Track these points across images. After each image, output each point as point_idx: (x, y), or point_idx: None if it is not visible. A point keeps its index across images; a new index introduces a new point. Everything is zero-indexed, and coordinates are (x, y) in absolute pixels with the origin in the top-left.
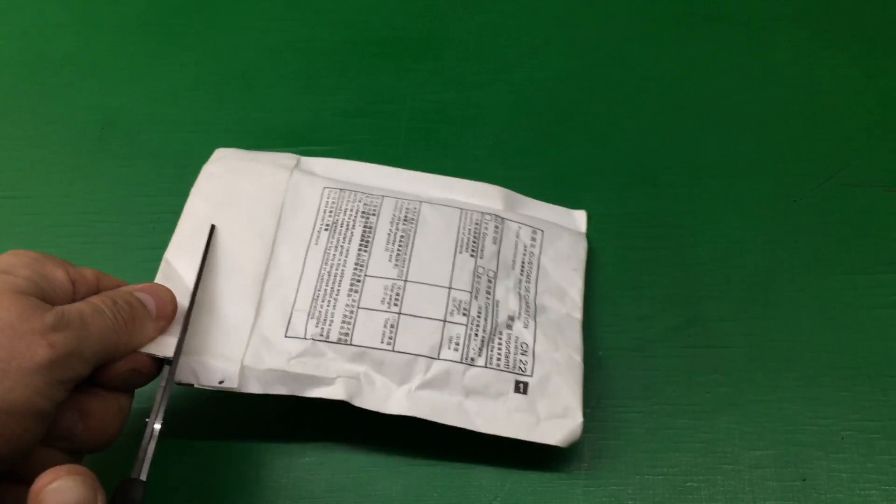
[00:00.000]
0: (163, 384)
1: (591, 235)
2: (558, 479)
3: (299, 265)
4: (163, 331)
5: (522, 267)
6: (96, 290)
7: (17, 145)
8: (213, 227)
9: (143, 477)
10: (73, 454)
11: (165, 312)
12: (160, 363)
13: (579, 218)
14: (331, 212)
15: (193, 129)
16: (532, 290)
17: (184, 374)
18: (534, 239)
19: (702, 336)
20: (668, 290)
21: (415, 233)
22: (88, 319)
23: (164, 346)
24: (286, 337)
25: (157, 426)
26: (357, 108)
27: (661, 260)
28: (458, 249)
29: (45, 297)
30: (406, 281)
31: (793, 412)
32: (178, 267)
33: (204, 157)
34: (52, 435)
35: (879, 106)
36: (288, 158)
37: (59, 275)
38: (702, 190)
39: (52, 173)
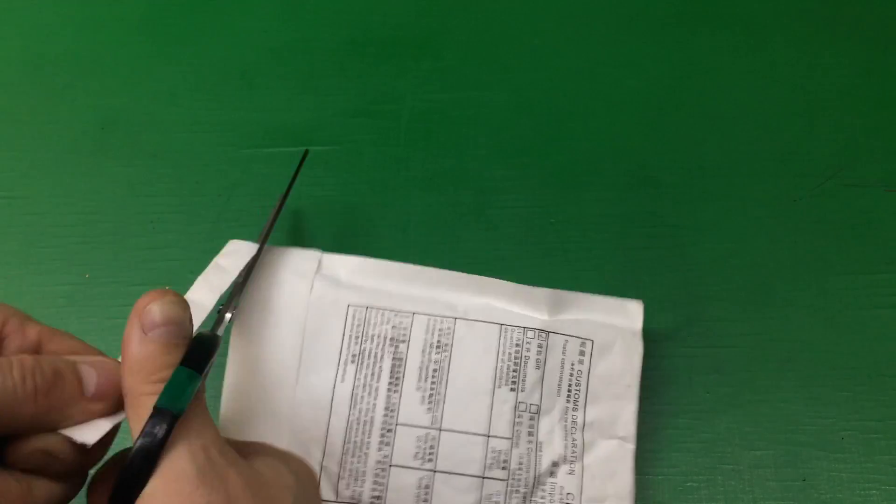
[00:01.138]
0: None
1: (591, 236)
2: None
3: (327, 406)
4: (99, 414)
5: (569, 392)
6: (34, 350)
7: (17, 145)
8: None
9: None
10: None
11: (108, 393)
12: (86, 450)
13: (634, 311)
14: (357, 337)
15: (193, 129)
16: (580, 420)
17: None
18: (582, 353)
19: (702, 336)
20: (668, 290)
21: (449, 364)
22: None
23: (88, 432)
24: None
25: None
26: (357, 108)
27: (661, 260)
28: (498, 384)
29: None
30: (441, 430)
31: (793, 412)
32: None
33: (204, 157)
34: None
35: (879, 106)
36: (308, 260)
37: None
38: (702, 190)
39: (52, 173)
